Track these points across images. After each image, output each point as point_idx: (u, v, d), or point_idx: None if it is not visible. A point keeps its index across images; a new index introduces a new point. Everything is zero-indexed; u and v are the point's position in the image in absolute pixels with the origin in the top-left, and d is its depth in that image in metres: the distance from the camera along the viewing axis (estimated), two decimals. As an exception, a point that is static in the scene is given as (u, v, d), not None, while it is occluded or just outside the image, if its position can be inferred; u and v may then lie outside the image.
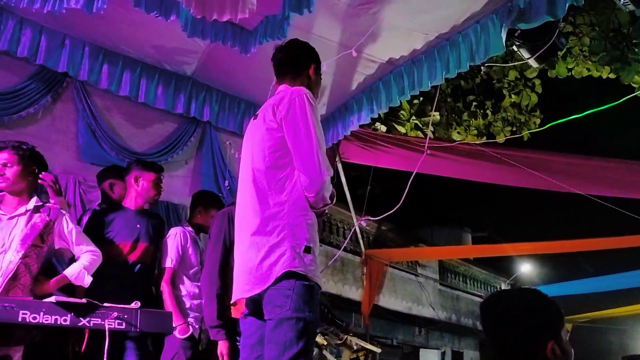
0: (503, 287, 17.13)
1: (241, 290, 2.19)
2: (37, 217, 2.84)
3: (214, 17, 3.28)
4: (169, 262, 3.45)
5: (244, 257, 2.19)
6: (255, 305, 2.17)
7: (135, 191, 3.49)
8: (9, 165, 2.83)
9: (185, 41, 4.00)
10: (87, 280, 2.89)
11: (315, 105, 2.24)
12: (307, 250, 2.07)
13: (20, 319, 2.24)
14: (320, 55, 2.61)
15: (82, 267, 2.90)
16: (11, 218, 2.79)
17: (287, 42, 2.52)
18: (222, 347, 3.02)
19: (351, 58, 4.04)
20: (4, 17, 3.96)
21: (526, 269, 15.91)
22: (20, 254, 2.72)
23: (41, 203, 2.92)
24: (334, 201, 2.20)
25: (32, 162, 2.94)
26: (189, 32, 3.66)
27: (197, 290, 3.49)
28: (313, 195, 2.11)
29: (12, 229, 2.76)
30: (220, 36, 3.80)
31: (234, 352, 3.00)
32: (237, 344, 3.01)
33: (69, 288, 2.97)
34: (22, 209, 2.83)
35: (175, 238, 3.52)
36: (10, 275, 2.67)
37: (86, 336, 2.31)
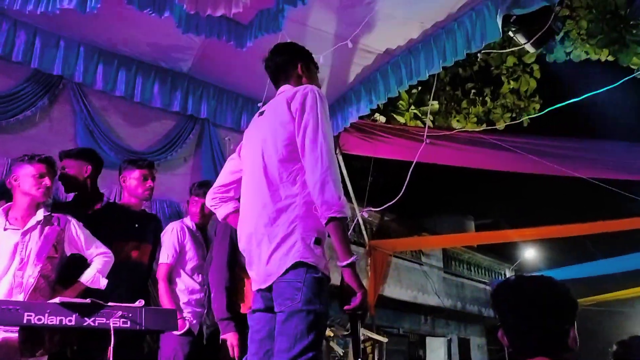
0: (507, 273, 17.16)
1: (258, 281, 2.20)
2: (48, 229, 2.86)
3: (207, 12, 3.27)
4: (166, 258, 3.47)
5: (255, 250, 2.19)
6: (266, 298, 2.18)
7: (127, 190, 3.53)
8: (48, 176, 2.87)
9: (180, 37, 3.99)
10: (103, 283, 2.93)
11: (326, 102, 2.26)
12: (317, 242, 2.07)
13: (25, 321, 2.25)
14: (316, 47, 2.62)
15: (95, 271, 2.94)
16: (25, 233, 2.81)
17: (270, 51, 2.54)
18: (232, 339, 3.03)
19: (348, 49, 4.03)
20: (-2, 20, 3.96)
21: (530, 254, 15.89)
22: (38, 267, 2.76)
23: (49, 213, 2.92)
24: (343, 208, 2.04)
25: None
26: (183, 28, 3.65)
27: (196, 286, 3.50)
28: (313, 185, 2.07)
29: (27, 244, 2.79)
30: (215, 31, 3.79)
31: (243, 345, 3.01)
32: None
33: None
34: (32, 222, 2.83)
35: (172, 234, 3.53)
36: (31, 289, 2.72)
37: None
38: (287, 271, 2.04)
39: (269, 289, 2.13)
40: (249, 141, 2.44)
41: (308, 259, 2.04)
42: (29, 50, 4.08)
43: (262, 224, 2.15)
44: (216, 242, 3.27)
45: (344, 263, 2.04)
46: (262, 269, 2.15)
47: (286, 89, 2.38)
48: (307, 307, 1.98)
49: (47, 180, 2.86)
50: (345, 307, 2.05)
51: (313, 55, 2.59)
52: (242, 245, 2.32)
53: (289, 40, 2.95)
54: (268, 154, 2.24)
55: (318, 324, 2.00)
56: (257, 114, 2.50)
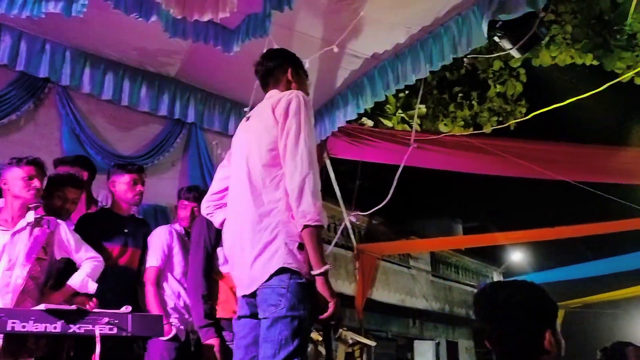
0: (495, 276, 17.27)
1: (242, 286, 2.20)
2: (37, 231, 2.86)
3: (194, 17, 3.27)
4: (154, 261, 3.41)
5: (239, 255, 2.20)
6: (251, 304, 2.18)
7: (116, 195, 3.50)
8: (37, 177, 2.90)
9: (167, 42, 3.98)
10: (92, 287, 2.90)
11: (311, 108, 2.26)
12: (301, 247, 2.06)
13: (9, 328, 2.23)
14: (303, 51, 2.63)
15: (85, 275, 2.92)
16: (14, 234, 2.80)
17: (261, 56, 2.55)
18: (214, 344, 3.03)
19: (335, 54, 4.04)
20: (-18, 24, 3.92)
21: (517, 257, 16.02)
22: (26, 269, 2.75)
23: (39, 215, 2.91)
24: (318, 217, 2.05)
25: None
26: (170, 32, 3.65)
27: (183, 290, 3.47)
28: (290, 191, 2.08)
29: (16, 245, 2.79)
30: (202, 36, 3.79)
31: (224, 350, 3.02)
32: (227, 343, 3.04)
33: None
34: (22, 223, 2.83)
35: (160, 237, 3.49)
36: (20, 290, 2.71)
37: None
38: (270, 277, 2.04)
39: (254, 294, 2.13)
40: (236, 147, 2.45)
41: (291, 264, 2.04)
42: (14, 54, 4.04)
43: (246, 229, 2.16)
44: (191, 249, 3.28)
45: (316, 272, 2.04)
46: (246, 274, 2.15)
47: (273, 94, 2.39)
48: (291, 313, 1.99)
49: (36, 182, 2.87)
50: (320, 317, 2.05)
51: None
52: (226, 250, 2.32)
53: (275, 45, 2.97)
54: (252, 159, 2.25)
55: (302, 330, 2.01)
56: (244, 119, 2.51)
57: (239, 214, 2.24)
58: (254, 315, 2.16)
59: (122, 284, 3.31)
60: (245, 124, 2.46)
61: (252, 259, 2.10)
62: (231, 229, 2.30)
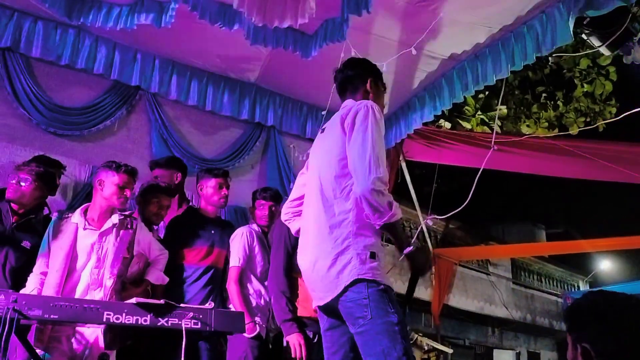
0: (581, 285, 16.38)
1: (316, 297, 2.25)
2: (123, 232, 3.04)
3: (275, 24, 3.36)
4: (237, 261, 3.53)
5: (311, 266, 2.23)
6: (330, 312, 2.21)
7: (204, 198, 3.70)
8: (129, 187, 3.10)
9: (248, 49, 4.12)
10: (166, 280, 3.23)
11: (381, 117, 2.25)
12: (372, 256, 2.08)
13: (104, 319, 2.40)
14: (380, 54, 2.65)
15: (160, 271, 3.21)
16: (102, 234, 2.99)
17: (342, 64, 2.57)
18: (297, 339, 3.08)
19: (412, 56, 3.99)
20: (81, 36, 4.25)
21: (605, 265, 15.09)
22: (116, 269, 2.93)
23: (123, 216, 3.10)
24: (394, 213, 2.06)
25: None
26: (251, 40, 3.78)
27: (264, 290, 3.57)
28: (361, 195, 2.07)
29: (104, 244, 2.97)
30: (282, 42, 3.89)
31: (308, 346, 3.08)
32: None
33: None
34: (109, 224, 3.01)
35: (242, 237, 3.61)
36: (112, 289, 2.89)
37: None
38: (346, 289, 2.06)
39: (329, 306, 2.17)
40: (311, 158, 2.50)
41: (366, 274, 2.05)
42: (108, 63, 4.36)
43: (318, 241, 2.20)
44: (273, 249, 3.40)
45: (406, 252, 2.12)
46: (319, 286, 2.20)
47: (347, 104, 2.40)
48: (381, 321, 2.00)
49: (127, 192, 3.06)
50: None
51: (377, 63, 2.61)
52: (302, 264, 2.36)
53: (352, 49, 2.99)
54: (323, 170, 2.29)
55: (399, 332, 2.00)
56: (319, 131, 2.55)
57: (311, 226, 2.28)
58: (333, 327, 2.22)
59: (209, 283, 3.47)
60: (320, 136, 2.50)
61: (325, 270, 2.13)
62: (304, 242, 2.35)
